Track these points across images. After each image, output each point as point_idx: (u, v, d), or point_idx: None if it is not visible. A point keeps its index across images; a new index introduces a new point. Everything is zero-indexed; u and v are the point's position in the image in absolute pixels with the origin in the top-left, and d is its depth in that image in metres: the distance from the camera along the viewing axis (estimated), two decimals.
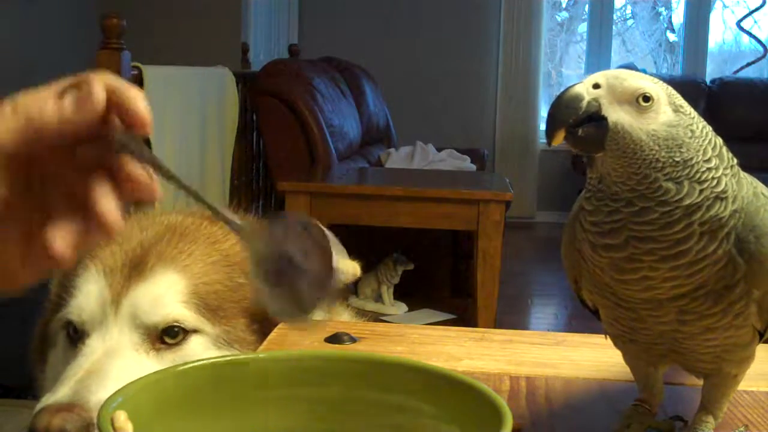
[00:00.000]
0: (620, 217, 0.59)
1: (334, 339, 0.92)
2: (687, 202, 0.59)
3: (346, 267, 0.98)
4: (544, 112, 6.46)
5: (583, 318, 3.75)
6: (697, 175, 0.59)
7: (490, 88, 6.21)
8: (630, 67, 6.00)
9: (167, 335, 0.87)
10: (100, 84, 0.52)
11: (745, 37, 6.56)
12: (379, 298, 3.68)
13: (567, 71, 6.82)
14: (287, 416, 0.59)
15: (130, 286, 0.88)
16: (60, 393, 0.79)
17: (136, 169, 0.53)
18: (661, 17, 6.77)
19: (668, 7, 6.72)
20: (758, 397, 0.78)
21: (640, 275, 0.60)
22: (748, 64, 6.41)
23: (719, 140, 0.63)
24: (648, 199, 0.59)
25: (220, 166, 3.63)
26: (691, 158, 0.59)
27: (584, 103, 0.59)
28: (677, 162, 0.59)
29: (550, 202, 6.11)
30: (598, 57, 6.36)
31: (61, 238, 0.51)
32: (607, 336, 0.70)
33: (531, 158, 6.16)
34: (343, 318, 1.09)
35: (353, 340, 0.92)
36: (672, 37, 6.72)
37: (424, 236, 3.85)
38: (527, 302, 4.29)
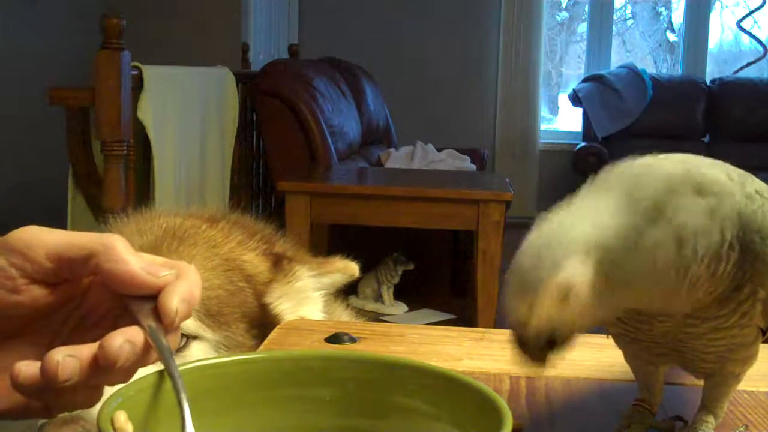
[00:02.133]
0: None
1: (334, 339, 0.92)
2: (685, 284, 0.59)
3: (345, 267, 0.98)
4: (544, 112, 6.46)
5: None
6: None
7: (490, 88, 6.21)
8: (630, 67, 6.00)
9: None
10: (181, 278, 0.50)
11: (745, 37, 6.56)
12: (379, 298, 3.68)
13: (567, 71, 6.82)
14: (287, 416, 0.59)
15: None
16: None
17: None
18: (661, 17, 6.77)
19: (668, 7, 6.72)
20: (758, 397, 0.78)
21: (656, 309, 0.62)
22: (748, 64, 6.41)
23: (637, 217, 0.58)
24: (650, 323, 0.60)
25: (220, 166, 3.63)
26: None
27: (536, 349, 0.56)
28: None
29: (550, 202, 6.00)
30: (598, 57, 6.36)
31: (59, 354, 0.47)
32: (609, 335, 0.70)
33: (531, 158, 6.16)
34: (343, 318, 1.09)
35: (353, 340, 0.92)
36: (672, 37, 6.72)
37: (424, 236, 3.85)
38: None
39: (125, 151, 2.65)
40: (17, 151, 4.20)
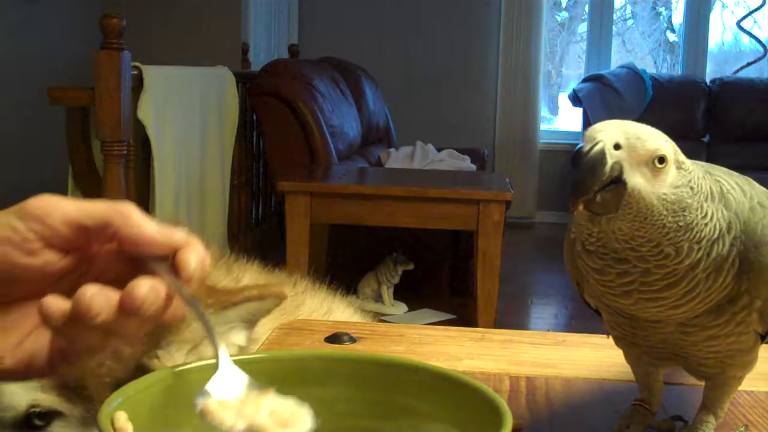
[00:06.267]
0: (631, 279, 0.59)
1: (334, 339, 0.92)
2: (686, 263, 0.58)
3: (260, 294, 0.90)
4: (544, 112, 6.46)
5: (583, 318, 3.75)
6: (697, 236, 0.58)
7: (490, 88, 6.21)
8: (630, 67, 6.00)
9: (36, 418, 0.79)
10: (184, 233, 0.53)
11: (745, 37, 6.56)
12: (379, 298, 3.68)
13: (567, 71, 6.82)
14: None
15: None
16: None
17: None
18: (661, 17, 6.77)
19: (668, 7, 6.72)
20: (758, 397, 0.78)
21: (649, 314, 0.62)
22: (748, 64, 6.41)
23: (707, 181, 0.61)
24: (646, 260, 0.58)
25: (220, 166, 3.63)
26: (692, 221, 0.58)
27: (608, 168, 0.56)
28: (680, 227, 0.58)
29: (550, 202, 6.11)
30: (598, 57, 6.36)
31: (96, 293, 0.50)
32: (609, 336, 0.70)
33: (531, 158, 6.16)
34: (343, 318, 1.09)
35: (353, 340, 0.92)
36: (672, 37, 6.72)
37: (424, 236, 3.85)
38: (527, 302, 4.29)
39: (125, 151, 2.65)
40: (17, 151, 4.20)
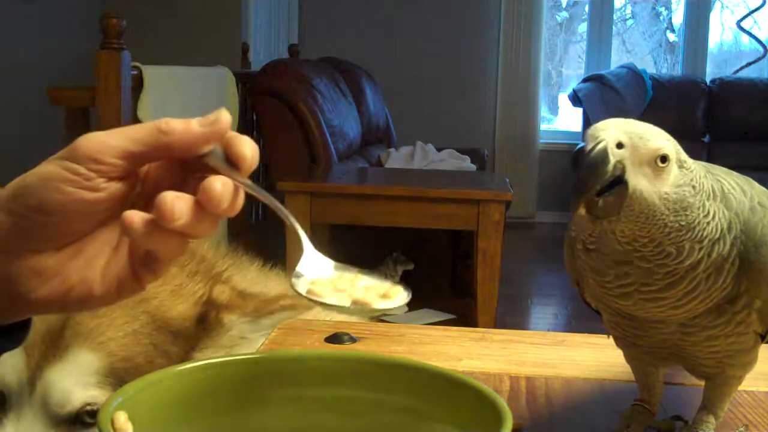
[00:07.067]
0: (631, 279, 0.59)
1: (334, 339, 0.92)
2: (688, 263, 0.58)
3: (292, 306, 0.92)
4: (544, 112, 6.46)
5: (583, 318, 3.76)
6: (699, 235, 0.58)
7: (490, 88, 6.21)
8: (630, 67, 6.00)
9: (87, 415, 0.82)
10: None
11: (745, 37, 6.56)
12: None
13: (567, 71, 6.82)
14: (287, 416, 0.59)
15: (44, 367, 0.83)
16: None
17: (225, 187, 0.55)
18: (661, 17, 6.77)
19: (668, 7, 6.72)
20: (758, 397, 0.78)
21: (650, 314, 0.61)
22: (748, 64, 6.42)
23: (709, 180, 0.61)
24: (648, 260, 0.58)
25: None
26: (694, 220, 0.58)
27: (610, 167, 0.56)
28: (682, 226, 0.58)
29: (550, 202, 6.11)
30: (598, 57, 6.36)
31: (178, 199, 0.52)
32: (609, 336, 0.70)
33: (531, 158, 6.16)
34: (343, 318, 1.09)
35: (353, 340, 0.92)
36: (672, 37, 6.72)
37: (424, 236, 3.85)
38: (527, 302, 4.29)
39: None
40: (17, 151, 4.20)
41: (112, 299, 0.58)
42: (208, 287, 0.92)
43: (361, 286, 0.55)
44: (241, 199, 0.55)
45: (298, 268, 0.56)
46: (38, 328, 0.83)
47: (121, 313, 0.86)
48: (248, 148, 0.55)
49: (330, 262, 0.57)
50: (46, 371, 0.83)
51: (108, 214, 0.56)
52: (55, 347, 0.83)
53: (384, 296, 0.55)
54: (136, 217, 0.53)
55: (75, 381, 0.83)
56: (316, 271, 0.56)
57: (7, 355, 0.78)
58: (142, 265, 0.57)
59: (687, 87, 5.96)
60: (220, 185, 0.53)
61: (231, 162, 0.55)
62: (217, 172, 0.54)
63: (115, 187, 0.55)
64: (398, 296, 0.55)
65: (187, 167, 0.57)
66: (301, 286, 0.55)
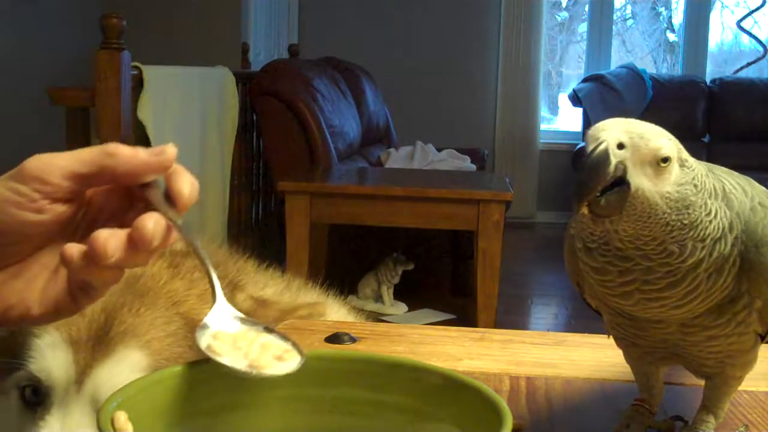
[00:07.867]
0: (632, 278, 0.59)
1: (334, 339, 0.92)
2: (689, 261, 0.58)
3: (313, 311, 0.94)
4: (544, 111, 6.46)
5: (583, 318, 3.76)
6: (701, 234, 0.58)
7: (490, 88, 6.21)
8: (630, 67, 6.00)
9: None
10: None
11: (745, 37, 6.56)
12: (379, 298, 3.68)
13: (567, 71, 6.82)
14: (287, 416, 0.59)
15: (93, 364, 0.83)
16: None
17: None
18: (661, 17, 6.77)
19: (668, 7, 6.72)
20: (758, 397, 0.78)
21: (650, 314, 0.61)
22: (748, 64, 6.42)
23: (710, 179, 0.61)
24: (650, 259, 0.58)
25: (220, 166, 3.63)
26: (696, 218, 0.58)
27: (611, 168, 0.56)
28: (684, 224, 0.58)
29: (550, 202, 6.11)
30: (598, 57, 6.36)
31: (111, 236, 0.53)
32: (609, 336, 0.70)
33: (531, 158, 6.16)
34: (336, 317, 1.09)
35: (353, 340, 0.92)
36: (672, 37, 6.72)
37: (424, 236, 3.85)
38: (527, 302, 4.29)
39: None
40: (17, 151, 4.20)
41: (50, 319, 0.59)
42: (228, 293, 0.91)
43: (259, 343, 0.57)
44: (174, 236, 0.56)
45: (206, 319, 0.57)
46: (79, 323, 0.84)
47: (159, 314, 0.86)
48: (186, 186, 0.56)
49: (239, 315, 0.59)
50: (96, 368, 0.83)
51: (50, 237, 0.57)
52: (102, 345, 0.84)
53: (279, 358, 0.57)
54: (75, 250, 0.54)
55: (125, 379, 0.81)
56: (221, 323, 0.58)
57: (48, 349, 0.82)
58: (80, 290, 0.58)
59: (687, 87, 5.96)
60: (152, 224, 0.54)
61: (169, 197, 0.56)
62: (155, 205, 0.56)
63: (60, 209, 0.56)
64: (291, 360, 0.57)
65: (131, 196, 0.58)
66: (203, 340, 0.56)
